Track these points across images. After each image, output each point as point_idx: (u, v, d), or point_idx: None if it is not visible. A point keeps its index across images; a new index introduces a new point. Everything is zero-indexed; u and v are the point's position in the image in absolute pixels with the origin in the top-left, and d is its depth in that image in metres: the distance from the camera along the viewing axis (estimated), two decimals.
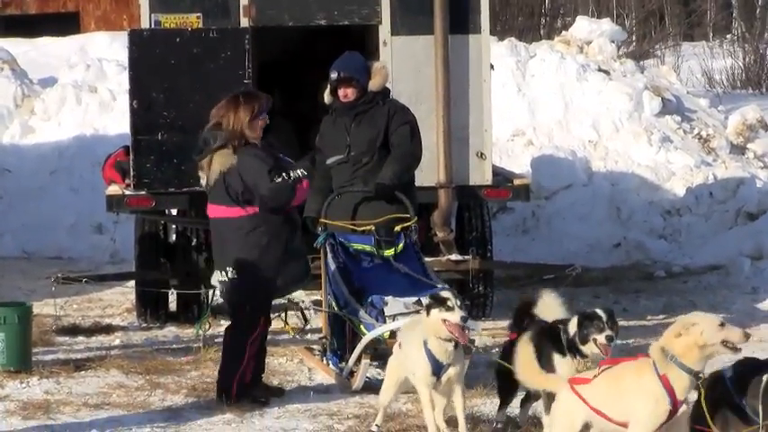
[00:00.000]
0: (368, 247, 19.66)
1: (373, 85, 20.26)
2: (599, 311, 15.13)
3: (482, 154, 23.40)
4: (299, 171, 17.79)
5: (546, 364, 15.30)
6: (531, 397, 16.25)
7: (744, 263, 28.90)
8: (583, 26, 40.68)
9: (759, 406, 13.07)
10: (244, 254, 17.33)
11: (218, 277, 17.31)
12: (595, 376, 13.49)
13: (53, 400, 18.33)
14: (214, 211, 17.38)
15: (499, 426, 16.74)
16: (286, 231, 17.72)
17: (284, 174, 18.09)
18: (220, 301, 17.33)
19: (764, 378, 13.15)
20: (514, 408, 17.08)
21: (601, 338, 14.71)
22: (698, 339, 12.87)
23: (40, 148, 32.48)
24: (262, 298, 18.50)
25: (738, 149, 36.44)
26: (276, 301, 22.08)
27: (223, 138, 17.29)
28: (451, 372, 15.79)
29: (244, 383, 17.37)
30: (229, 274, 17.22)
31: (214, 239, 17.56)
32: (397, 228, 19.77)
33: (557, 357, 15.23)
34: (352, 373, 18.60)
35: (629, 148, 34.29)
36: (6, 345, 19.86)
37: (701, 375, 12.89)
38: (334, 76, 20.28)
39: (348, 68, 20.24)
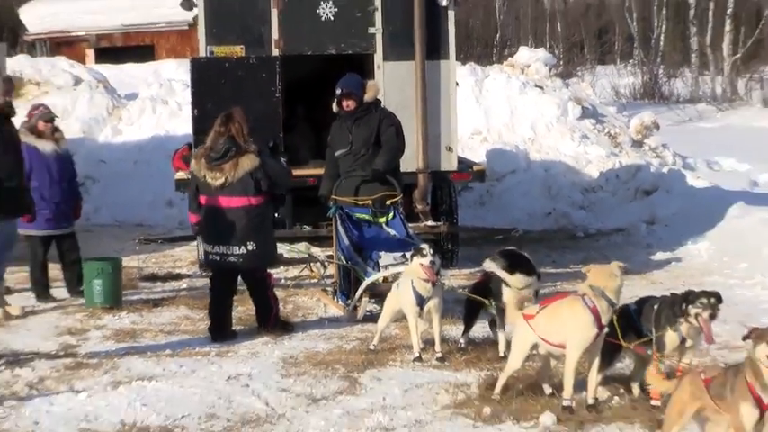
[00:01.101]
0: (366, 216, 20.08)
1: (368, 97, 20.68)
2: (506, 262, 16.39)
3: (450, 148, 23.71)
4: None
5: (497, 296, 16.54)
6: (495, 323, 16.81)
7: (641, 226, 29.24)
8: (524, 54, 40.94)
9: (651, 325, 13.71)
10: (260, 231, 17.82)
11: (236, 251, 17.53)
12: (539, 311, 14.21)
13: (137, 328, 18.58)
14: (233, 201, 17.56)
15: (462, 343, 17.15)
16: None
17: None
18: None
19: (654, 307, 13.79)
20: (473, 332, 17.40)
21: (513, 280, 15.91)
22: (613, 279, 13.30)
23: (125, 146, 32.53)
24: (273, 259, 19.48)
25: (637, 144, 36.72)
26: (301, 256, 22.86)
27: (242, 146, 17.60)
28: (431, 304, 16.51)
29: (275, 316, 17.71)
30: (249, 247, 17.50)
31: (227, 222, 17.59)
32: (388, 202, 20.17)
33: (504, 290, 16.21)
34: (355, 308, 19.06)
35: (557, 143, 34.57)
36: (103, 288, 20.08)
37: (615, 306, 13.41)
38: (338, 91, 20.67)
39: (348, 86, 20.63)
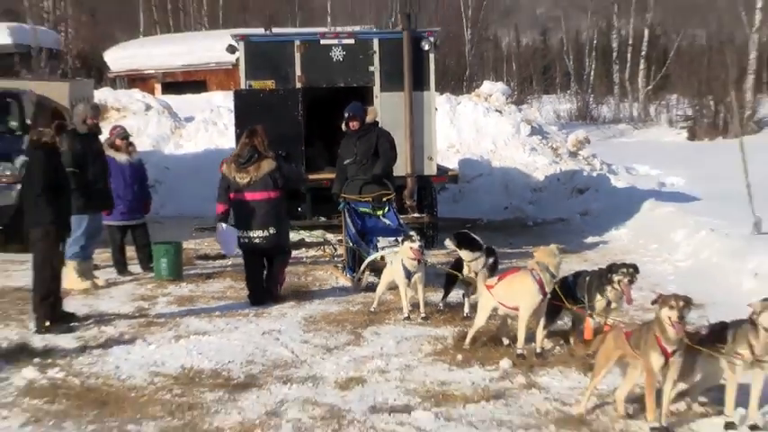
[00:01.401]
0: (368, 210, 20.12)
1: (368, 119, 20.83)
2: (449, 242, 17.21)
3: (431, 157, 23.74)
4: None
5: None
6: (468, 293, 16.86)
7: (576, 217, 29.36)
8: (486, 86, 41.08)
9: (584, 292, 14.19)
10: (278, 218, 18.03)
11: (259, 234, 17.78)
12: (498, 282, 14.68)
13: (194, 295, 18.62)
14: (257, 195, 17.87)
15: (441, 306, 17.40)
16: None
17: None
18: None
19: (587, 278, 14.37)
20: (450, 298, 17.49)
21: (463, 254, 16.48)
22: (554, 257, 13.47)
23: (185, 157, 32.60)
24: (288, 241, 19.44)
25: (573, 154, 36.76)
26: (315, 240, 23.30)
27: (262, 153, 17.93)
28: (416, 276, 16.81)
29: (279, 287, 18.26)
30: (270, 230, 17.75)
31: (252, 212, 17.87)
32: (384, 199, 20.19)
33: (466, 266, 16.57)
34: (359, 279, 19.04)
35: (512, 154, 34.66)
36: (168, 265, 20.14)
37: (556, 277, 13.78)
38: (346, 115, 20.76)
39: (354, 111, 20.72)
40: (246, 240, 18.09)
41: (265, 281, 18.36)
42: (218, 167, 20.65)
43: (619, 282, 13.82)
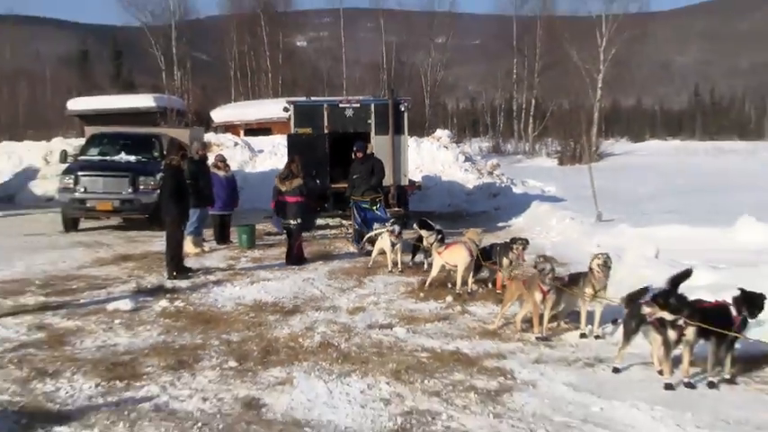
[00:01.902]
0: (367, 206, 19.88)
1: (368, 151, 20.84)
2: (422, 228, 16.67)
3: (405, 174, 23.52)
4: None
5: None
6: (426, 256, 16.81)
7: (492, 210, 29.20)
8: (438, 132, 40.78)
9: (497, 256, 14.71)
10: (303, 213, 17.69)
11: (291, 222, 17.58)
12: (445, 249, 14.92)
13: (262, 257, 18.43)
14: (291, 198, 17.63)
15: (410, 264, 17.25)
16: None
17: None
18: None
19: (498, 247, 14.75)
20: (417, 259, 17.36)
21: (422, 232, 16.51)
22: (478, 235, 13.35)
23: (257, 173, 32.34)
24: (310, 227, 19.65)
25: (490, 173, 36.44)
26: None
27: (295, 174, 17.70)
28: (396, 246, 16.87)
29: (296, 255, 17.64)
30: (298, 220, 17.52)
31: (287, 209, 17.68)
32: (377, 199, 20.00)
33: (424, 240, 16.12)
34: (362, 248, 18.82)
35: (454, 173, 34.34)
36: (247, 238, 19.95)
37: (479, 246, 13.83)
38: (355, 148, 20.72)
39: (359, 146, 20.74)
40: (286, 225, 18.00)
41: (287, 249, 18.07)
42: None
43: (516, 249, 14.30)
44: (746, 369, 9.37)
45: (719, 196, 31.12)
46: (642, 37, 77.77)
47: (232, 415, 8.02)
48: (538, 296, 11.11)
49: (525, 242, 14.60)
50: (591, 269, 11.24)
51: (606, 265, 11.12)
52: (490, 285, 14.78)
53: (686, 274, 9.35)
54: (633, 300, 9.58)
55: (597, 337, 11.14)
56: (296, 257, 17.77)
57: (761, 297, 8.94)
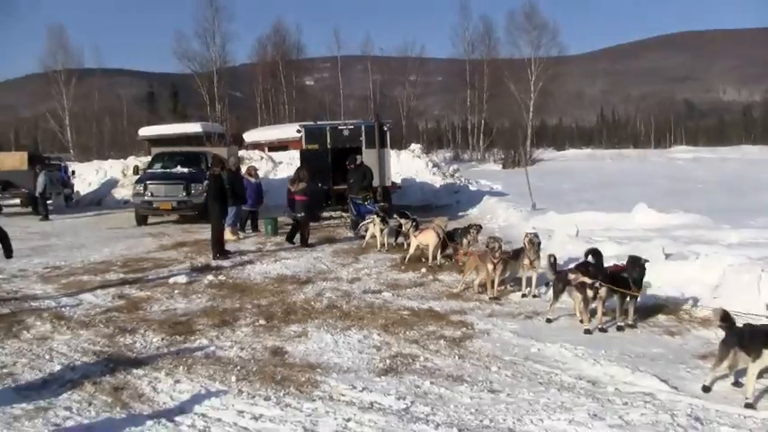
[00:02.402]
0: (360, 201, 19.56)
1: (359, 161, 20.29)
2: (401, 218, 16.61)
3: (389, 178, 23.23)
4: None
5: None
6: (405, 238, 16.25)
7: (454, 203, 28.67)
8: (413, 146, 40.24)
9: (459, 237, 14.24)
10: (307, 209, 17.37)
11: (299, 215, 17.36)
12: (419, 233, 14.81)
13: (283, 242, 17.96)
14: (298, 197, 17.38)
15: (394, 244, 16.91)
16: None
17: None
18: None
19: (459, 231, 14.28)
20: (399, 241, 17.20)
21: (402, 220, 16.28)
22: (444, 222, 13.16)
23: (278, 180, 31.97)
24: (312, 218, 18.89)
25: (451, 175, 36.18)
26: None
27: (302, 179, 17.60)
28: (384, 231, 16.57)
29: (303, 239, 17.28)
30: (303, 214, 17.24)
31: (295, 205, 17.50)
32: (368, 196, 19.72)
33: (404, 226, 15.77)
34: (357, 233, 18.48)
35: (425, 176, 33.90)
36: (272, 228, 19.80)
37: (444, 231, 13.32)
38: (348, 161, 20.34)
39: (351, 160, 20.27)
40: (293, 216, 17.86)
41: (291, 233, 17.98)
42: (290, 183, 20.50)
43: (472, 232, 14.00)
44: (644, 316, 9.40)
45: (620, 189, 31.29)
46: (561, 74, 78.23)
47: (263, 360, 8.04)
48: (489, 266, 11.04)
49: (479, 227, 14.46)
50: (524, 244, 11.31)
51: (532, 242, 11.17)
52: (453, 260, 14.58)
53: (592, 251, 9.77)
54: (553, 268, 10.01)
55: (534, 296, 11.08)
56: (304, 240, 17.42)
57: (640, 260, 9.26)
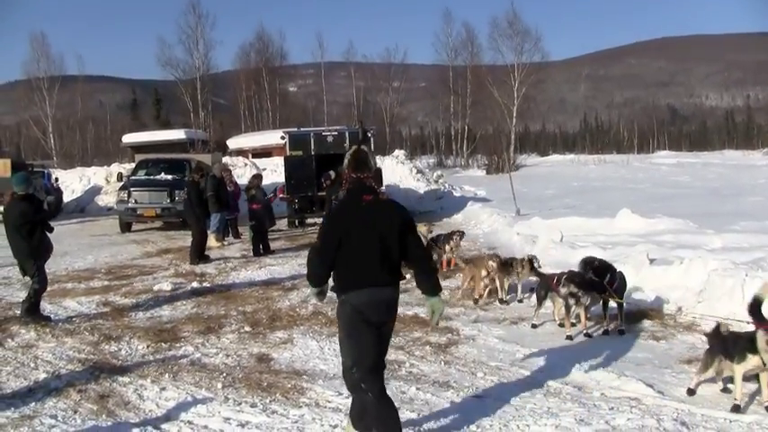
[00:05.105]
0: None
1: (333, 176, 20.14)
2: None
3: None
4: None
5: None
6: None
7: (438, 209, 28.62)
8: (396, 152, 40.03)
9: (442, 243, 14.36)
10: (255, 217, 17.42)
11: (251, 222, 17.44)
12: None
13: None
14: (256, 205, 17.47)
15: None
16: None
17: None
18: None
19: (442, 236, 14.41)
20: None
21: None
22: (426, 228, 13.67)
23: (267, 186, 31.91)
24: (260, 228, 17.57)
25: (435, 182, 36.06)
26: None
27: (252, 187, 17.90)
28: None
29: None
30: (254, 222, 17.45)
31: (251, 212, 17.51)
32: None
33: None
34: None
35: (409, 182, 33.77)
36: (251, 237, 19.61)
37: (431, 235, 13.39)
38: (323, 178, 20.74)
39: (326, 176, 20.63)
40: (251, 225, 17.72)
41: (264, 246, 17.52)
42: (278, 190, 20.54)
43: (456, 238, 14.17)
44: (629, 321, 9.39)
45: (604, 195, 31.38)
46: (544, 80, 78.46)
47: (248, 367, 8.03)
48: (484, 273, 11.09)
49: (462, 234, 14.58)
50: (522, 260, 11.27)
51: (531, 262, 11.09)
52: (438, 266, 14.58)
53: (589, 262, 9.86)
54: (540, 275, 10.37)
55: (520, 301, 11.12)
56: (256, 250, 17.15)
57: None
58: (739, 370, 6.30)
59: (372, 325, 5.29)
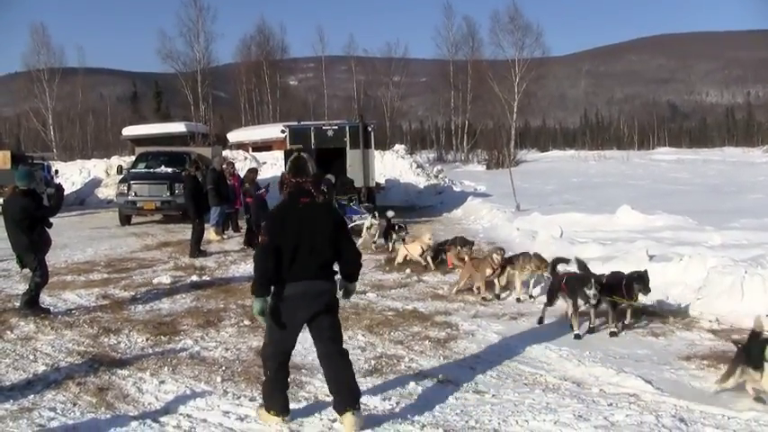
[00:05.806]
0: (346, 203, 19.60)
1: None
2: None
3: (373, 178, 23.04)
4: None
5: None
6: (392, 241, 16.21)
7: (438, 204, 28.63)
8: (397, 146, 40.07)
9: (446, 244, 13.55)
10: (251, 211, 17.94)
11: (246, 216, 17.76)
12: (405, 243, 14.75)
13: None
14: (250, 198, 17.89)
15: (387, 247, 16.78)
16: None
17: None
18: None
19: (447, 241, 13.52)
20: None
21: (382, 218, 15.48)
22: (428, 236, 13.20)
23: (262, 179, 31.81)
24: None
25: (435, 176, 36.04)
26: None
27: (246, 180, 18.55)
28: (372, 230, 16.85)
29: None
30: (248, 215, 17.84)
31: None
32: (352, 197, 19.80)
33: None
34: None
35: (408, 177, 33.84)
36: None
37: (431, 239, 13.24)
38: (329, 176, 20.22)
39: (334, 172, 20.53)
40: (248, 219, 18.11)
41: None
42: (278, 184, 20.52)
43: (461, 247, 13.37)
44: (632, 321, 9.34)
45: (603, 191, 31.43)
46: (545, 75, 78.57)
47: (248, 360, 8.03)
48: (488, 272, 11.05)
49: (464, 238, 14.19)
50: (529, 257, 11.13)
51: (539, 257, 11.03)
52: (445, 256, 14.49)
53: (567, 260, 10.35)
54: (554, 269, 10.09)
55: (518, 300, 10.94)
56: (247, 242, 17.29)
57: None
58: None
59: (300, 318, 5.96)
